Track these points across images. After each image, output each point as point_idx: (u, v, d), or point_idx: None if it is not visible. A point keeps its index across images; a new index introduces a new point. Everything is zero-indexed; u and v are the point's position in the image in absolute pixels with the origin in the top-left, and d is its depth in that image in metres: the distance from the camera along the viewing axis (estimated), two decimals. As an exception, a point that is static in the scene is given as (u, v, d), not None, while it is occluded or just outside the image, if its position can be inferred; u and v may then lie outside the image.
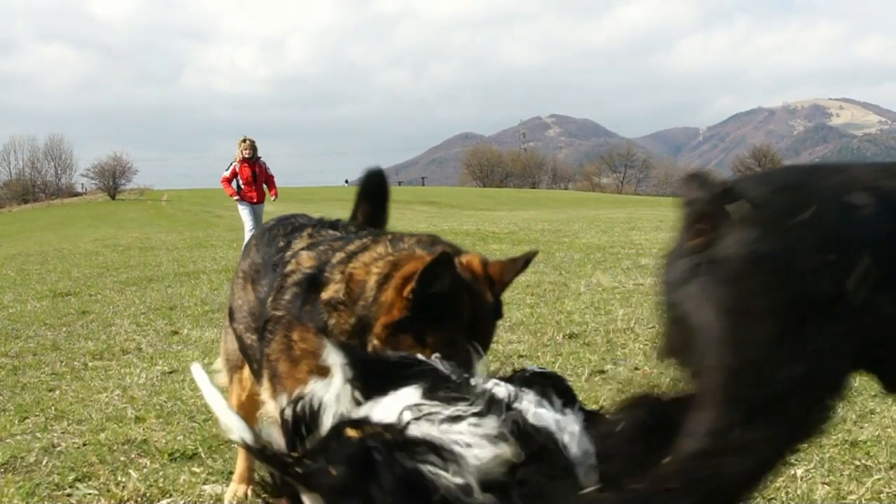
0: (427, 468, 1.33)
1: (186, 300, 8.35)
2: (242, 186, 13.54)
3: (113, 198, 68.37)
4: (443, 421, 1.39)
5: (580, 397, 1.74)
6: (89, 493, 3.01)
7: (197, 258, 14.11)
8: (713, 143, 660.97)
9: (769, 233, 1.42)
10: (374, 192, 2.91)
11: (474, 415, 1.41)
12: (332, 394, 1.50)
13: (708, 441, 1.38)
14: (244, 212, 13.71)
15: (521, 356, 4.94)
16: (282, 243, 2.44)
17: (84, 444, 3.58)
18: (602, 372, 4.49)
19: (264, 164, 13.87)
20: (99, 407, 4.18)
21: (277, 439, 1.46)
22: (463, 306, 2.02)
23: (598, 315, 6.25)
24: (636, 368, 4.53)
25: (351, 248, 2.22)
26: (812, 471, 2.92)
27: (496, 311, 2.14)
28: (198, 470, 3.21)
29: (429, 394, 1.46)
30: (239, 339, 2.53)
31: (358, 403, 1.49)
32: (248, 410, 2.89)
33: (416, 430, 1.38)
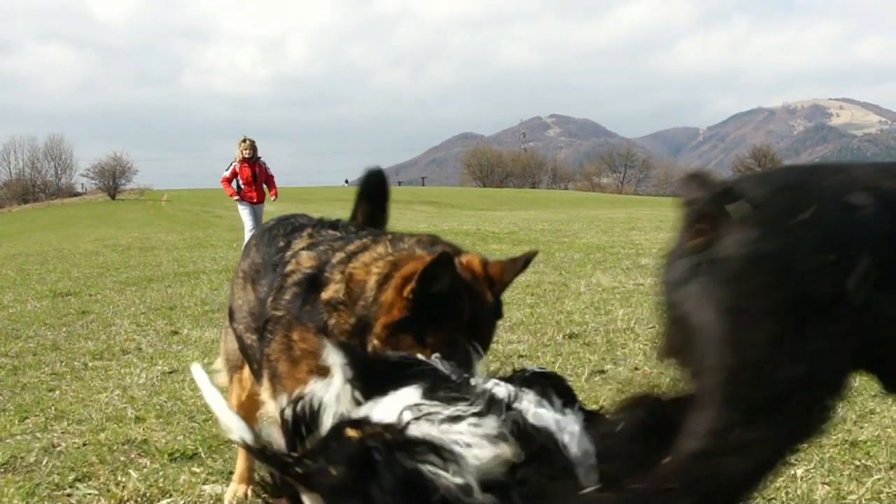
0: (427, 468, 1.33)
1: (186, 300, 8.35)
2: (242, 186, 13.54)
3: (113, 198, 68.38)
4: (443, 421, 1.39)
5: (580, 397, 1.74)
6: (89, 493, 3.01)
7: (197, 258, 14.11)
8: (713, 144, 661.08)
9: (769, 233, 1.42)
10: (374, 192, 2.91)
11: (474, 415, 1.41)
12: (331, 394, 1.50)
13: (708, 441, 1.38)
14: (244, 212, 13.71)
15: (521, 356, 4.94)
16: (282, 243, 2.44)
17: (84, 444, 3.58)
18: (602, 372, 4.49)
19: (264, 163, 13.87)
20: (99, 407, 4.18)
21: (277, 439, 1.46)
22: (463, 306, 2.01)
23: (598, 315, 6.25)
24: (636, 368, 4.53)
25: (351, 248, 2.22)
26: (812, 471, 2.92)
27: (496, 311, 2.14)
28: (198, 470, 3.21)
29: (429, 394, 1.46)
30: (239, 339, 2.53)
31: (358, 403, 1.49)
32: (248, 410, 2.89)
33: (415, 430, 1.37)
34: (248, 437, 1.44)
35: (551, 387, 1.66)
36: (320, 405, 1.47)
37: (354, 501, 1.31)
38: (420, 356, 1.68)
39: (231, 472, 3.06)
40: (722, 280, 1.43)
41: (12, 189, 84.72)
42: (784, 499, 2.72)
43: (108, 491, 3.01)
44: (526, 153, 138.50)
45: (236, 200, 13.73)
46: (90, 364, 5.33)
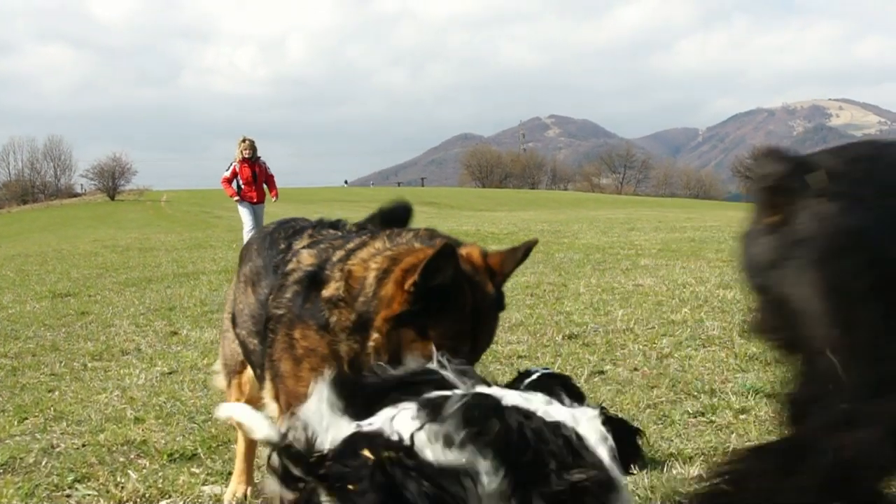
0: (447, 497, 1.34)
1: (186, 301, 8.35)
2: (242, 186, 13.55)
3: (112, 198, 68.42)
4: (448, 445, 1.39)
5: (580, 398, 1.74)
6: (88, 494, 3.00)
7: (196, 259, 14.11)
8: (713, 144, 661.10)
9: (849, 206, 1.40)
10: (395, 223, 2.89)
11: (473, 435, 1.41)
12: (321, 420, 1.49)
13: (835, 414, 1.38)
14: (244, 212, 13.72)
15: (520, 357, 4.94)
16: (283, 245, 2.44)
17: (83, 445, 3.57)
18: (601, 372, 4.49)
19: (264, 163, 13.87)
20: (98, 408, 4.18)
21: (300, 439, 1.46)
22: (465, 298, 1.99)
23: (597, 316, 6.25)
24: (635, 369, 4.53)
25: (350, 245, 2.21)
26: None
27: (498, 303, 2.11)
28: (197, 470, 3.21)
29: (426, 415, 1.45)
30: (242, 344, 2.52)
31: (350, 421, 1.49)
32: None
33: (430, 454, 1.38)
34: (273, 437, 1.44)
35: (560, 386, 1.68)
36: (313, 434, 1.46)
37: None
38: (418, 369, 1.68)
39: (230, 473, 3.05)
40: (815, 260, 1.40)
41: (11, 190, 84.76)
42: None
43: (108, 492, 3.01)
44: (525, 154, 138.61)
45: (236, 201, 13.74)
46: (89, 365, 5.33)
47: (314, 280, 2.17)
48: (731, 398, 3.79)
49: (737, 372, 4.34)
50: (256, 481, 3.07)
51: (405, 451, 1.37)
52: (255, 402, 2.79)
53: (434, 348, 1.93)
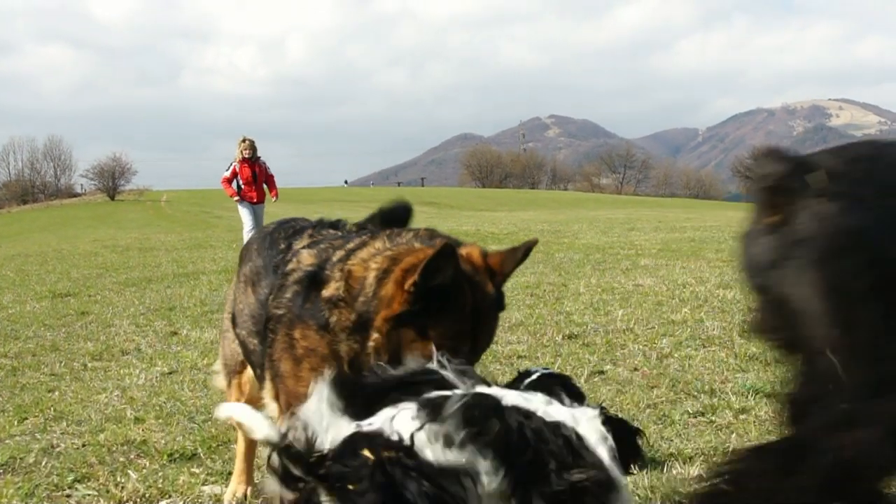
0: (447, 496, 1.34)
1: (186, 301, 8.35)
2: (242, 186, 13.55)
3: (112, 198, 68.42)
4: (448, 445, 1.39)
5: (580, 398, 1.74)
6: (88, 494, 3.00)
7: (196, 259, 14.11)
8: (712, 144, 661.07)
9: (849, 206, 1.40)
10: (396, 223, 2.88)
11: (478, 436, 1.41)
12: (321, 421, 1.49)
13: (834, 414, 1.38)
14: (244, 212, 13.72)
15: (520, 357, 4.94)
16: (283, 245, 2.44)
17: (83, 445, 3.57)
18: (601, 372, 4.49)
19: (264, 163, 13.87)
20: (98, 408, 4.18)
21: (300, 439, 1.46)
22: (465, 298, 1.99)
23: (597, 316, 6.25)
24: (635, 369, 4.53)
25: (350, 245, 2.21)
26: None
27: (498, 303, 2.11)
28: (197, 470, 3.21)
29: (426, 415, 1.45)
30: (243, 344, 2.52)
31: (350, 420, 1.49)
32: None
33: (430, 454, 1.38)
34: (273, 436, 1.45)
35: (560, 386, 1.68)
36: (313, 434, 1.46)
37: None
38: (418, 368, 1.68)
39: (230, 473, 3.05)
40: (815, 260, 1.41)
41: (11, 190, 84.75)
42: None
43: (108, 492, 3.01)
44: (525, 154, 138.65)
45: (236, 201, 13.74)
46: (89, 365, 5.33)
47: (314, 280, 2.16)
48: (730, 398, 3.80)
49: (737, 372, 4.34)
50: (256, 481, 3.07)
51: (405, 450, 1.37)
52: (255, 402, 2.79)
53: (434, 348, 1.93)
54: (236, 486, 2.96)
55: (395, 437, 1.39)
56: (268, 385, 2.27)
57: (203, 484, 3.08)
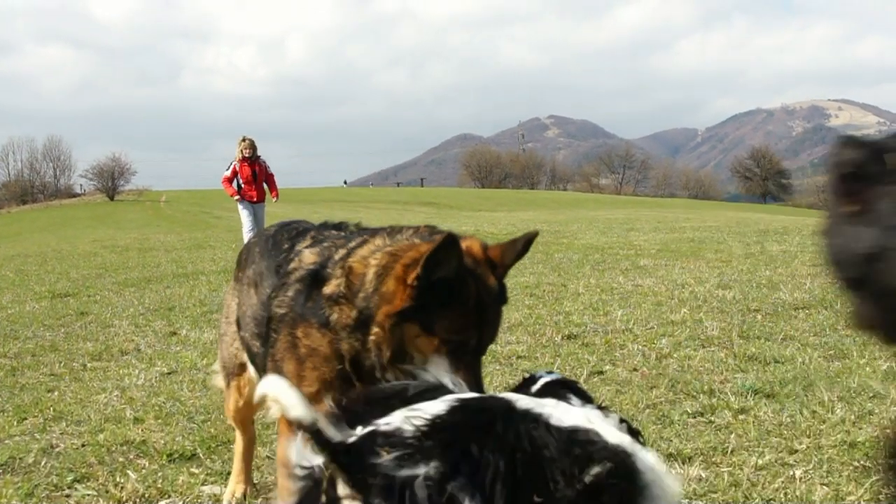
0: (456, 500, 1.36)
1: (185, 301, 8.35)
2: (242, 185, 13.55)
3: (111, 199, 68.40)
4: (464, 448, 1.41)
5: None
6: (88, 494, 3.01)
7: (196, 259, 14.11)
8: (712, 144, 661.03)
9: None
10: None
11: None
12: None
13: None
14: (244, 212, 13.72)
15: (519, 357, 4.94)
16: (286, 245, 2.44)
17: (83, 445, 3.57)
18: (601, 373, 4.49)
19: (264, 162, 13.87)
20: (97, 408, 4.18)
21: (330, 425, 1.48)
22: (469, 291, 1.97)
23: (596, 316, 6.25)
24: (634, 369, 4.53)
25: (352, 244, 2.21)
26: (811, 471, 2.92)
27: (501, 295, 2.10)
28: (196, 471, 3.21)
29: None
30: (247, 347, 2.52)
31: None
32: (245, 416, 2.89)
33: (443, 456, 1.39)
34: (305, 418, 1.46)
35: (568, 390, 1.69)
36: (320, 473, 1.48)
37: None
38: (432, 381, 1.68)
39: (230, 473, 3.05)
40: None
41: (11, 190, 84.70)
42: (783, 499, 2.72)
43: (107, 492, 3.01)
44: (525, 154, 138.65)
45: (237, 200, 13.73)
46: (89, 365, 5.33)
47: (316, 278, 2.17)
48: (730, 398, 3.80)
49: (736, 372, 4.34)
50: (255, 482, 3.07)
51: (420, 451, 1.38)
52: (253, 404, 2.79)
53: (440, 343, 1.93)
54: (235, 486, 2.97)
55: (410, 437, 1.40)
56: None
57: (202, 484, 3.08)
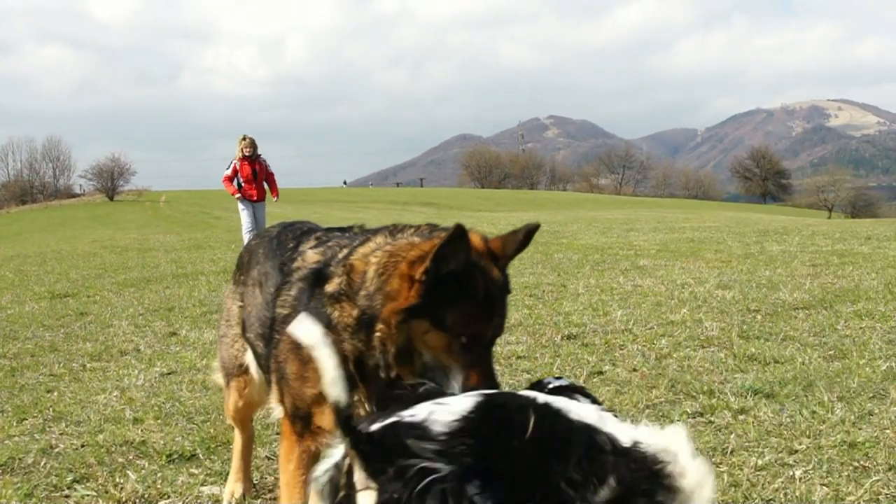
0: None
1: (185, 301, 8.35)
2: (243, 184, 13.56)
3: (111, 199, 68.34)
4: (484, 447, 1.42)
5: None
6: (87, 495, 3.00)
7: (195, 259, 14.10)
8: (712, 144, 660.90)
9: None
10: None
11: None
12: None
13: None
14: (244, 211, 13.72)
15: (519, 357, 4.94)
16: (291, 245, 2.44)
17: (82, 446, 3.57)
18: (600, 373, 4.49)
19: (264, 161, 13.87)
20: (97, 408, 4.18)
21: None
22: (477, 284, 1.96)
23: (596, 316, 6.25)
24: (634, 369, 4.53)
25: (355, 244, 2.21)
26: (811, 472, 2.92)
27: (507, 287, 2.09)
28: (196, 471, 3.21)
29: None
30: (252, 348, 2.52)
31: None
32: (244, 415, 2.89)
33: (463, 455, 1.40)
34: (341, 401, 1.48)
35: (578, 393, 1.71)
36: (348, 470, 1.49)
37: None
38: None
39: (229, 473, 3.05)
40: None
41: (10, 190, 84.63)
42: (783, 500, 2.72)
43: (107, 492, 3.01)
44: (524, 154, 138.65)
45: (237, 199, 13.73)
46: (88, 365, 5.33)
47: (319, 276, 2.16)
48: (729, 399, 3.80)
49: (735, 372, 4.34)
50: (255, 482, 3.07)
51: (442, 446, 1.38)
52: (253, 405, 2.79)
53: (452, 337, 1.92)
54: (234, 486, 2.97)
55: (432, 431, 1.40)
56: (274, 388, 2.25)
57: (202, 484, 3.08)
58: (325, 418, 2.06)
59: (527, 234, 2.15)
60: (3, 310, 8.34)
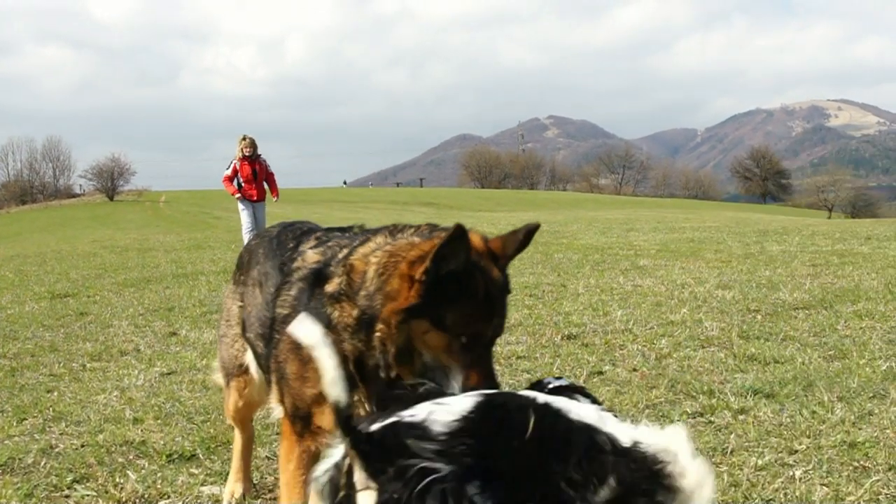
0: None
1: (185, 301, 8.35)
2: (243, 184, 13.56)
3: (111, 199, 68.35)
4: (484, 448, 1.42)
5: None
6: (87, 495, 3.00)
7: (195, 259, 14.10)
8: (711, 144, 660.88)
9: None
10: None
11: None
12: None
13: None
14: (244, 211, 13.72)
15: (519, 357, 4.94)
16: (291, 245, 2.44)
17: (82, 446, 3.57)
18: (600, 373, 4.49)
19: (264, 161, 13.88)
20: (97, 408, 4.18)
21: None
22: (477, 284, 1.96)
23: (596, 316, 6.25)
24: (634, 369, 4.53)
25: (355, 244, 2.21)
26: (811, 472, 2.92)
27: (506, 286, 2.08)
28: (196, 471, 3.21)
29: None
30: (252, 348, 2.52)
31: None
32: (244, 415, 2.89)
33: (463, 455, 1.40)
34: (341, 401, 1.47)
35: (578, 393, 1.71)
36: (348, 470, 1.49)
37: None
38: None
39: (229, 473, 3.05)
40: None
41: (10, 190, 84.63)
42: (783, 500, 2.72)
43: (107, 492, 3.01)
44: (524, 154, 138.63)
45: (237, 198, 13.74)
46: (88, 365, 5.33)
47: (319, 276, 2.16)
48: (729, 399, 3.80)
49: (735, 372, 4.34)
50: (255, 482, 3.07)
51: (442, 447, 1.38)
52: (253, 405, 2.79)
53: (452, 338, 1.92)
54: (234, 485, 2.97)
55: (432, 431, 1.40)
56: (274, 388, 2.25)
57: (202, 484, 3.08)
58: (325, 418, 2.06)
59: (527, 234, 2.14)
60: (3, 310, 8.34)
